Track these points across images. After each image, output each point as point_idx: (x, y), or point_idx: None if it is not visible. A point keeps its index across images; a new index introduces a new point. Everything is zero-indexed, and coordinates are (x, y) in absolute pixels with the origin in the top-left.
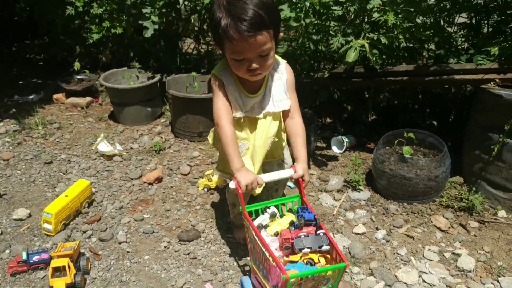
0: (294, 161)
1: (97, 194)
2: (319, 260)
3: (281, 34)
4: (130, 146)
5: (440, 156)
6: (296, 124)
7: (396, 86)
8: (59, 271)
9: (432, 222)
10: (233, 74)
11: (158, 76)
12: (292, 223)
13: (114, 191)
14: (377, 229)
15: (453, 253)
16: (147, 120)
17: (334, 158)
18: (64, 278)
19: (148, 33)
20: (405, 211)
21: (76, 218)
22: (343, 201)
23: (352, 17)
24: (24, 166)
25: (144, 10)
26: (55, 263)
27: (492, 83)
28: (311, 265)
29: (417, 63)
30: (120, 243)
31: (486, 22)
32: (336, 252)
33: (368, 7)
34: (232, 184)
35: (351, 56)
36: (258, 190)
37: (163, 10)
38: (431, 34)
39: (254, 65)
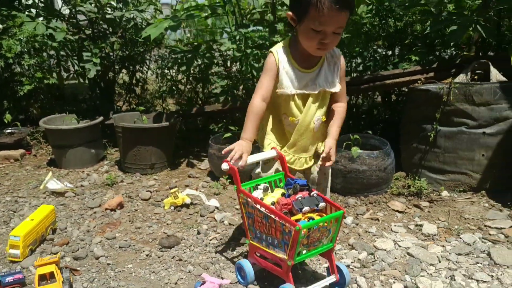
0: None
1: (58, 223)
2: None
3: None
4: (80, 184)
5: (385, 149)
6: (340, 107)
7: None
8: (45, 280)
9: (390, 207)
10: (288, 51)
11: (101, 117)
12: (283, 195)
13: (76, 219)
14: (344, 217)
15: (416, 225)
16: (91, 162)
17: None
18: (53, 284)
19: (91, 74)
20: (364, 202)
21: (42, 245)
22: None
23: None
24: None
25: (84, 54)
26: (41, 270)
27: (418, 82)
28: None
29: (350, 76)
30: (97, 258)
31: (399, 43)
32: (331, 207)
33: None
34: (224, 165)
35: None
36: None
37: (102, 54)
38: (360, 50)
39: (329, 39)
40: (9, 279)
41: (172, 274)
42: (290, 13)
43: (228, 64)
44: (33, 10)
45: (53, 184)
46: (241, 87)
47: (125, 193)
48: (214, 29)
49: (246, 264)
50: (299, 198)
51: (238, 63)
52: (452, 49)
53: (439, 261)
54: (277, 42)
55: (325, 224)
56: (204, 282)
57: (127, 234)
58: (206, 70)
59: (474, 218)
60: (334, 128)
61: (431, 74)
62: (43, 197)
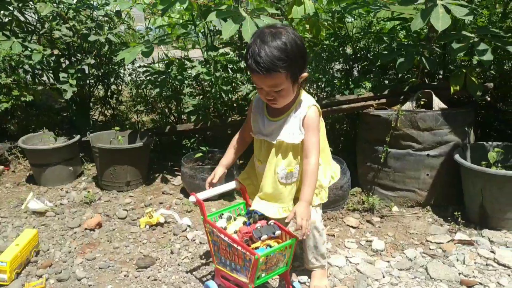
0: None
1: (41, 244)
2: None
3: (305, 74)
4: (60, 202)
5: (342, 168)
6: (307, 164)
7: None
8: None
9: (345, 222)
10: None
11: (78, 136)
12: (244, 223)
13: (57, 240)
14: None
15: (367, 241)
16: (69, 179)
17: None
18: None
19: (68, 95)
20: (322, 218)
21: (26, 267)
22: None
23: None
24: None
25: (61, 75)
26: None
27: (371, 107)
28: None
29: None
30: (79, 279)
31: (356, 65)
32: (285, 234)
33: None
34: (191, 198)
35: None
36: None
37: (78, 75)
38: (320, 76)
39: (268, 96)
40: None
41: None
42: None
43: (200, 83)
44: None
45: (34, 204)
46: (211, 107)
47: (103, 211)
48: (185, 44)
49: (213, 285)
50: (258, 227)
51: (208, 85)
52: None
53: (383, 277)
54: (244, 67)
55: (281, 251)
56: None
57: (106, 255)
58: (178, 89)
59: (418, 233)
60: (304, 189)
61: (383, 100)
62: (24, 217)
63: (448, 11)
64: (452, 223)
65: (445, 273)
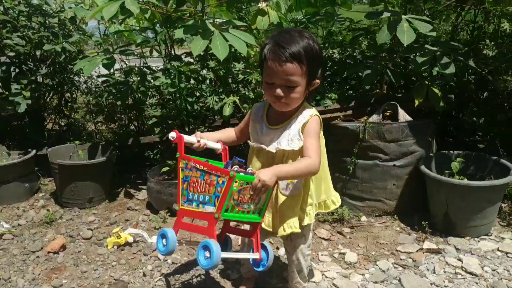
0: None
1: (1, 272)
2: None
3: (318, 82)
4: (17, 223)
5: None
6: (300, 158)
7: None
8: None
9: (317, 235)
10: (266, 107)
11: (33, 151)
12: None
13: (18, 266)
14: (277, 248)
15: (340, 253)
16: (25, 196)
17: None
18: None
19: (22, 108)
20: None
21: None
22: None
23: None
24: None
25: (13, 87)
26: None
27: (338, 119)
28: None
29: None
30: None
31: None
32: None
33: (233, 70)
34: (172, 134)
35: (227, 111)
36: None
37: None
38: None
39: (279, 91)
40: None
41: None
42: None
43: (162, 93)
44: None
45: None
46: (175, 120)
47: (66, 232)
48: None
49: (170, 231)
50: (235, 168)
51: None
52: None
53: None
54: (208, 78)
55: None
56: None
57: (74, 280)
58: (139, 100)
59: (388, 243)
60: (285, 164)
61: (350, 111)
62: None
63: (411, 26)
64: (419, 231)
65: (418, 284)
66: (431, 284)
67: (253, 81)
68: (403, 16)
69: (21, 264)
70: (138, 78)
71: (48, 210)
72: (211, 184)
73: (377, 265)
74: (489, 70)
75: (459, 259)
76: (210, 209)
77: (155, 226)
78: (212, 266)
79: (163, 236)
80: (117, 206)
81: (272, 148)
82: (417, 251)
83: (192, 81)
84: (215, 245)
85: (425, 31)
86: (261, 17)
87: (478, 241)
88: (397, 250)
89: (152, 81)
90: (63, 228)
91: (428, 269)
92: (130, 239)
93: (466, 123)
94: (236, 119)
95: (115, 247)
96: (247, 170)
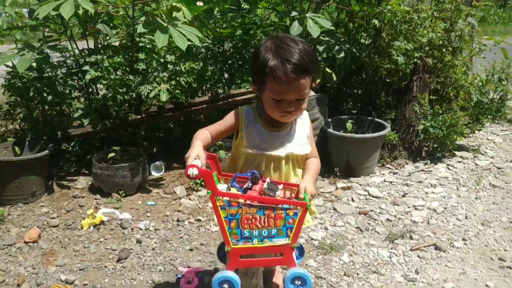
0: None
1: None
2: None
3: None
4: None
5: None
6: (311, 161)
7: (198, 114)
8: None
9: None
10: (255, 111)
11: None
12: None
13: (8, 258)
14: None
15: None
16: None
17: (161, 179)
18: None
19: None
20: None
21: None
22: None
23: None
24: None
25: None
26: None
27: None
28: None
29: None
30: (71, 282)
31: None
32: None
33: (162, 60)
34: (193, 170)
35: (163, 97)
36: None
37: None
38: (217, 73)
39: (291, 107)
40: None
41: (148, 277)
42: (253, 85)
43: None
44: None
45: None
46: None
47: (30, 224)
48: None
49: (231, 274)
50: (266, 187)
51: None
52: None
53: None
54: (138, 71)
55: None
56: (183, 275)
57: (73, 258)
58: (64, 94)
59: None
60: (307, 172)
61: None
62: None
63: (315, 22)
64: (330, 177)
65: (347, 208)
66: (356, 207)
67: (184, 70)
68: (307, 14)
69: (7, 256)
70: (63, 72)
71: None
72: (277, 217)
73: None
74: (365, 54)
75: (365, 190)
76: (282, 241)
77: (114, 206)
78: None
79: (225, 282)
80: (61, 197)
81: (280, 152)
82: (335, 190)
83: (119, 73)
84: (306, 273)
85: (327, 26)
86: (177, 12)
87: (370, 178)
88: (321, 192)
89: (78, 74)
90: (20, 222)
91: (347, 200)
92: (105, 218)
93: (347, 94)
94: (170, 104)
95: (91, 227)
96: (267, 181)
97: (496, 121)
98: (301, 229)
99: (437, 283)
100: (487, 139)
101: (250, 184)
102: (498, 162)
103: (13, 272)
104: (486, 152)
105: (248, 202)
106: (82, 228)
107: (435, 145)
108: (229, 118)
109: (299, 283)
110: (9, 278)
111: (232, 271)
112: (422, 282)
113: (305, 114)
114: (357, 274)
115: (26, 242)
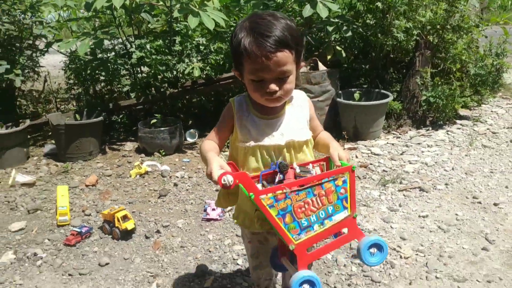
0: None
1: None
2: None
3: (303, 64)
4: (36, 176)
5: None
6: (324, 133)
7: (226, 88)
8: (123, 220)
9: None
10: (247, 99)
11: (27, 121)
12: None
13: (72, 197)
14: None
15: None
16: (23, 160)
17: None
18: (130, 221)
19: (17, 83)
20: None
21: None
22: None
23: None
24: None
25: None
26: (119, 214)
27: None
28: None
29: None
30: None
31: None
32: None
33: (195, 43)
34: (228, 178)
35: (196, 73)
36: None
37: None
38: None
39: (273, 86)
40: (83, 229)
41: (182, 207)
42: (235, 71)
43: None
44: None
45: (21, 177)
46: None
47: (89, 174)
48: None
49: (309, 273)
50: (299, 170)
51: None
52: None
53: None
54: (175, 52)
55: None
56: (209, 205)
57: (124, 196)
58: (113, 73)
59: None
60: (333, 141)
61: None
62: (14, 190)
63: (324, 5)
64: (339, 140)
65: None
66: (358, 162)
67: (213, 50)
68: None
69: (73, 195)
70: (113, 54)
71: (56, 165)
72: (329, 192)
73: None
74: (370, 34)
75: (369, 149)
76: (341, 215)
77: (156, 161)
78: (383, 260)
79: (305, 282)
80: (112, 156)
81: (279, 141)
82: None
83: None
84: (382, 240)
85: (335, 8)
86: (207, 1)
87: (375, 141)
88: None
89: (126, 56)
90: (81, 172)
91: (352, 157)
92: (149, 169)
93: (356, 69)
94: (202, 79)
95: (138, 176)
96: (294, 166)
97: (495, 94)
98: (355, 195)
99: (416, 213)
100: (491, 111)
101: (281, 176)
102: (494, 129)
103: (78, 204)
104: (486, 121)
105: (294, 188)
106: (130, 176)
107: (437, 115)
108: (224, 116)
109: (375, 250)
110: (75, 207)
111: (306, 269)
112: (403, 212)
113: (304, 97)
114: None
115: (86, 185)
